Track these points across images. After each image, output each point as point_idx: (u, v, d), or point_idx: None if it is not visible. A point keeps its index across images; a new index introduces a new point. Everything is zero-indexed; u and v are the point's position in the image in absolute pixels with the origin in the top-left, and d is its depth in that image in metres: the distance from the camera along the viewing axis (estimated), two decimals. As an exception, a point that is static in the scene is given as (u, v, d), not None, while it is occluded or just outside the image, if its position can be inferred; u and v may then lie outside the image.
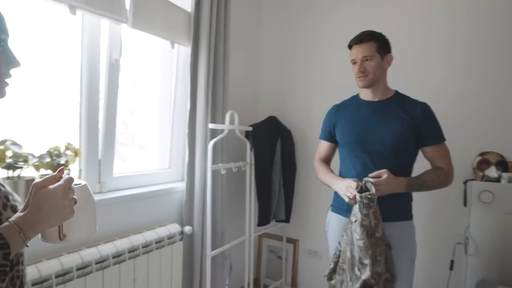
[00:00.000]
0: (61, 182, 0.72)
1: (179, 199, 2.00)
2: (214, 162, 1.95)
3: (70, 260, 1.34)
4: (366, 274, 1.35)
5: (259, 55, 2.69)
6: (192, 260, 1.98)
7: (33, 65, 1.42)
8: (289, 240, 2.60)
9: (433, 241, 2.06)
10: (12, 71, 0.75)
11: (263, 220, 2.22)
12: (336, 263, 1.52)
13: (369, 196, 1.33)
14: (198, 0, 1.91)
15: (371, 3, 2.24)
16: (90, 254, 1.41)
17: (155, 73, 2.07)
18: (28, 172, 1.32)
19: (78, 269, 1.35)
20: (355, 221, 1.37)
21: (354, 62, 1.52)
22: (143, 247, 1.62)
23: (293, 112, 2.56)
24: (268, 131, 2.26)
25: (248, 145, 2.19)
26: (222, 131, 1.99)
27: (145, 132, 2.06)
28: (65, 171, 0.76)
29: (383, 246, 1.38)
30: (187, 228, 1.88)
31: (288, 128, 2.45)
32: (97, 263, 1.42)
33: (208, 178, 1.89)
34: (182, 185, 1.99)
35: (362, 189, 1.39)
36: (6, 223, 0.67)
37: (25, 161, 1.29)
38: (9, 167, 1.25)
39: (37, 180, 0.72)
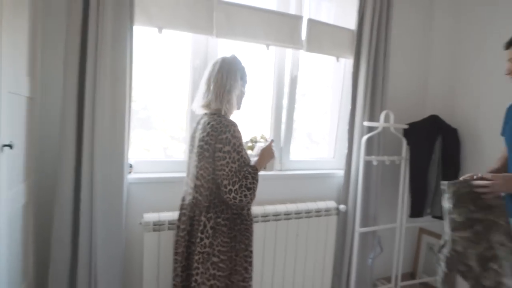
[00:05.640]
0: (268, 144, 1.66)
1: (338, 183, 2.48)
2: (368, 155, 2.31)
3: (256, 209, 2.07)
4: None
5: (428, 58, 2.77)
6: (344, 234, 2.42)
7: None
8: (450, 240, 2.60)
9: None
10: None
11: (415, 212, 2.38)
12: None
13: None
14: (360, 18, 2.30)
15: None
16: (270, 209, 2.11)
17: (327, 83, 2.60)
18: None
19: (261, 216, 2.07)
20: None
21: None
22: (305, 212, 2.21)
23: (461, 110, 2.52)
24: (427, 129, 2.38)
25: (405, 142, 2.39)
26: (377, 128, 2.31)
27: (318, 130, 2.64)
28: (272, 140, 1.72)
29: None
30: (342, 206, 2.34)
31: (454, 127, 2.45)
32: (273, 215, 2.11)
33: (360, 167, 2.27)
34: (342, 172, 2.45)
35: None
36: (253, 163, 1.56)
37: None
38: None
39: (261, 145, 1.76)
